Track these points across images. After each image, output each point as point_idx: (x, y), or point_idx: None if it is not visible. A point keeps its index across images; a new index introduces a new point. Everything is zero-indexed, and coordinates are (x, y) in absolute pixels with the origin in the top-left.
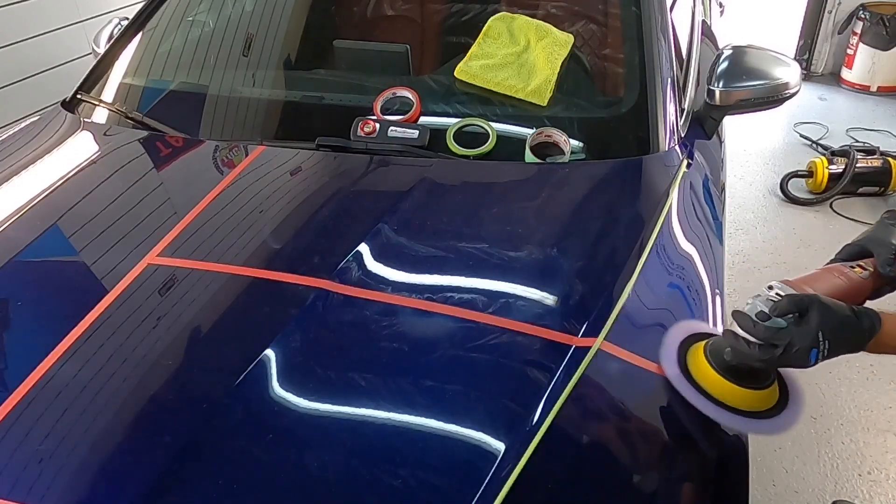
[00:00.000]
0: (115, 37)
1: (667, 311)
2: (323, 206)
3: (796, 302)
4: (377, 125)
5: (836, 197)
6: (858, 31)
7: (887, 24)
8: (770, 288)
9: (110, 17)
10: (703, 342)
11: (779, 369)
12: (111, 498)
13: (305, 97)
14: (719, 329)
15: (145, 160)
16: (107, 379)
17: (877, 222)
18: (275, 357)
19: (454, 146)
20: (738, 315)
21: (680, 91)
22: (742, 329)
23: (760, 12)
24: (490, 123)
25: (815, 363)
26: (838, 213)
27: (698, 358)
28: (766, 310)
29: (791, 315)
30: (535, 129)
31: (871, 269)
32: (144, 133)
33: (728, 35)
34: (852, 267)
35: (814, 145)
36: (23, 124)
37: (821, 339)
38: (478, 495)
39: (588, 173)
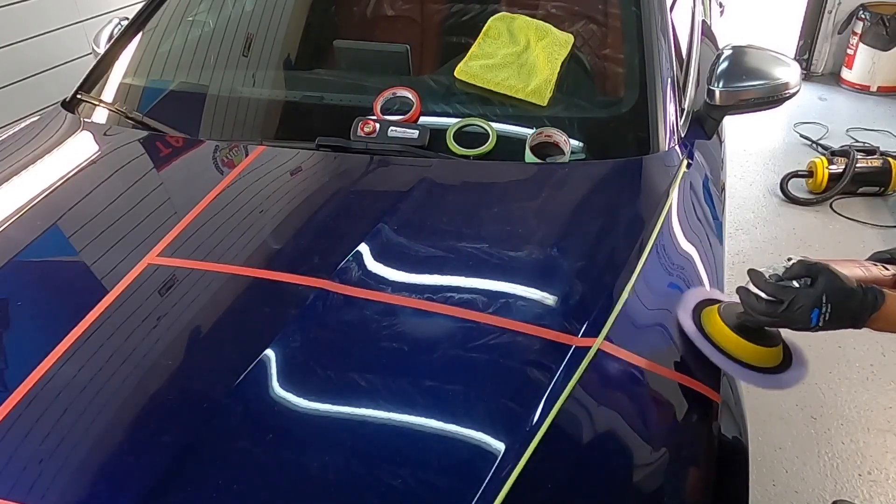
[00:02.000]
0: (115, 37)
1: (667, 311)
2: (323, 206)
3: (807, 266)
4: (377, 125)
5: (836, 197)
6: (858, 31)
7: (887, 24)
8: (789, 259)
9: (110, 17)
10: (717, 304)
11: (785, 340)
12: (111, 498)
13: (305, 97)
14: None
15: (145, 160)
16: (107, 379)
17: None
18: (275, 357)
19: (454, 146)
20: (752, 273)
21: (680, 91)
22: (753, 284)
23: (760, 12)
24: (490, 123)
25: (817, 326)
26: (838, 214)
27: (713, 317)
28: (780, 273)
29: (801, 278)
30: (535, 129)
31: (894, 272)
32: (144, 133)
33: (728, 35)
34: (875, 264)
35: (814, 145)
36: (23, 124)
37: (824, 301)
38: (478, 495)
39: (588, 173)
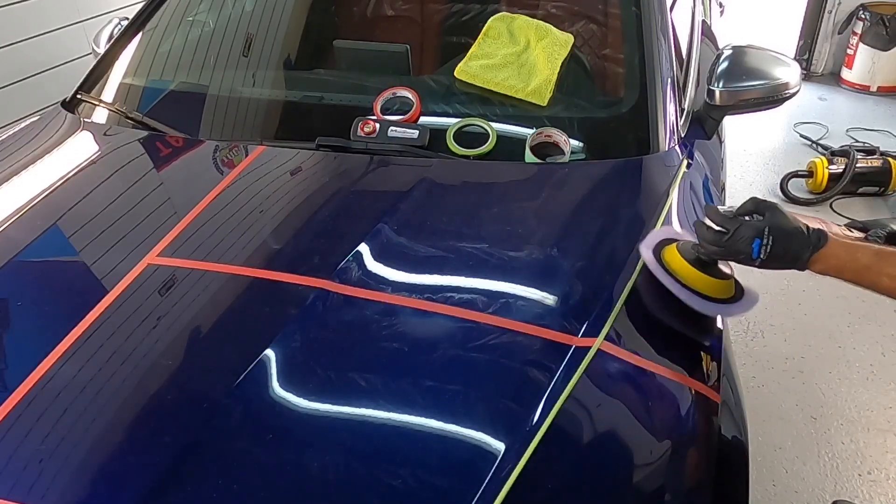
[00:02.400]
0: (115, 37)
1: (667, 311)
2: (323, 207)
3: (757, 203)
4: (377, 125)
5: (836, 197)
6: (858, 31)
7: (887, 24)
8: None
9: (110, 17)
10: (677, 242)
11: (738, 280)
12: (111, 498)
13: (305, 97)
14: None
15: (145, 160)
16: (107, 379)
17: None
18: (275, 357)
19: (454, 146)
20: (708, 208)
21: (680, 91)
22: (707, 217)
23: (760, 12)
24: (490, 123)
25: (759, 258)
26: (838, 214)
27: (672, 252)
28: (733, 210)
29: (752, 214)
30: (535, 129)
31: (861, 236)
32: (144, 133)
33: (728, 35)
34: (841, 226)
35: (814, 145)
36: (23, 124)
37: (766, 233)
38: (478, 495)
39: (588, 173)
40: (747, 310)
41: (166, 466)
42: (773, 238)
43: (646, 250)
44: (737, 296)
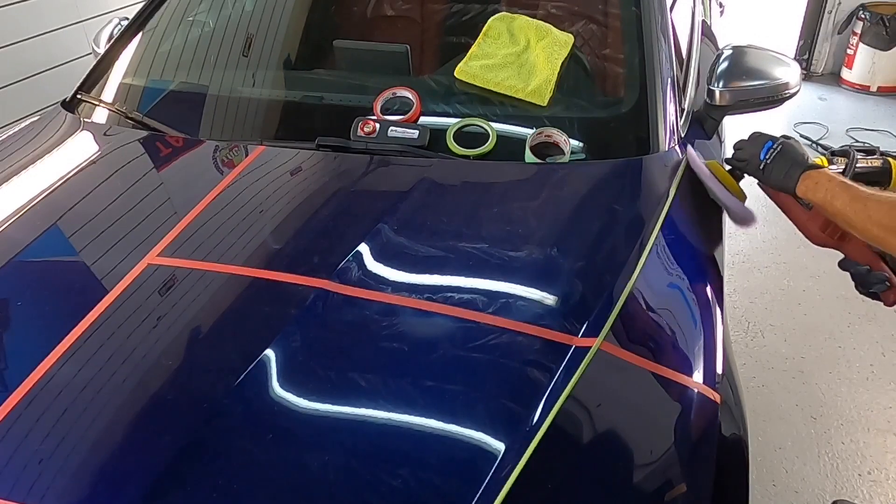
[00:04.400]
0: (115, 37)
1: (667, 311)
2: (323, 206)
3: (783, 136)
4: (377, 125)
5: None
6: (858, 31)
7: (887, 24)
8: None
9: (110, 17)
10: (715, 160)
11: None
12: (111, 498)
13: (305, 97)
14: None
15: (145, 160)
16: (107, 379)
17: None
18: (275, 357)
19: (454, 146)
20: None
21: (680, 91)
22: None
23: (760, 12)
24: (490, 123)
25: (766, 161)
26: None
27: (714, 164)
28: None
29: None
30: (535, 129)
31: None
32: (144, 133)
33: (728, 35)
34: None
35: (814, 145)
36: (23, 124)
37: (776, 142)
38: (478, 495)
39: (588, 173)
40: (751, 216)
41: (166, 466)
42: (782, 146)
43: (699, 163)
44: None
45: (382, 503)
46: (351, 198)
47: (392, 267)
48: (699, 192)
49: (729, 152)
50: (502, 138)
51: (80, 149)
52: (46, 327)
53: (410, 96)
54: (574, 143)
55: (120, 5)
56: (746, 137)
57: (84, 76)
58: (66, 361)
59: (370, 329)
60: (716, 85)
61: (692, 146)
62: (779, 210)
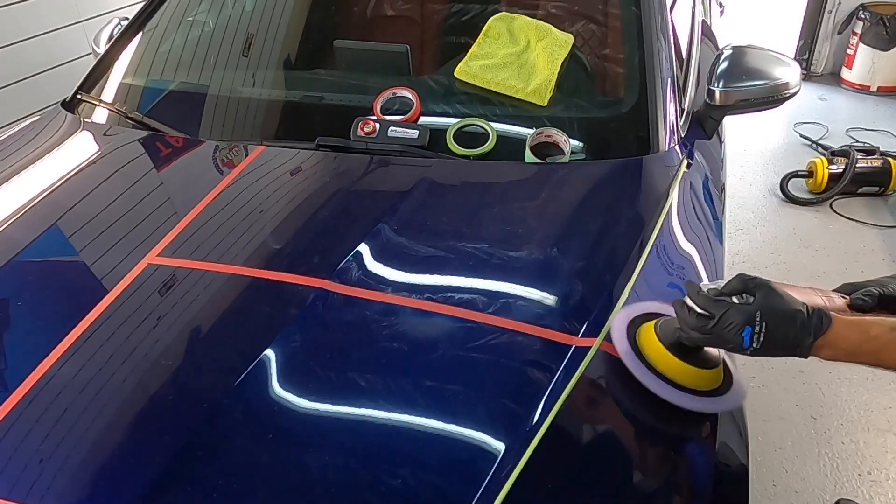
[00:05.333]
0: (115, 37)
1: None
2: (323, 207)
3: (745, 281)
4: (377, 125)
5: (836, 197)
6: (858, 31)
7: (887, 24)
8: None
9: (110, 17)
10: (656, 321)
11: (727, 362)
12: (111, 498)
13: (305, 97)
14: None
15: (145, 160)
16: (107, 379)
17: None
18: (275, 357)
19: (454, 146)
20: (689, 284)
21: (680, 91)
22: (688, 297)
23: (760, 12)
24: (490, 123)
25: (750, 346)
26: (838, 214)
27: (649, 333)
28: (719, 287)
29: (740, 294)
30: (535, 129)
31: (846, 301)
32: (144, 133)
33: (728, 35)
34: (843, 296)
35: (814, 145)
36: (23, 124)
37: (758, 319)
38: (478, 495)
39: (588, 173)
40: (732, 406)
41: (166, 466)
42: (767, 324)
43: (619, 339)
44: (722, 388)
45: (382, 503)
46: (351, 198)
47: (392, 267)
48: (699, 192)
49: (729, 152)
50: (502, 138)
51: (80, 149)
52: (47, 327)
53: (410, 96)
54: (574, 143)
55: (120, 5)
56: (695, 305)
57: (84, 76)
58: (67, 361)
59: (370, 329)
60: (716, 85)
61: (692, 146)
62: (778, 210)
